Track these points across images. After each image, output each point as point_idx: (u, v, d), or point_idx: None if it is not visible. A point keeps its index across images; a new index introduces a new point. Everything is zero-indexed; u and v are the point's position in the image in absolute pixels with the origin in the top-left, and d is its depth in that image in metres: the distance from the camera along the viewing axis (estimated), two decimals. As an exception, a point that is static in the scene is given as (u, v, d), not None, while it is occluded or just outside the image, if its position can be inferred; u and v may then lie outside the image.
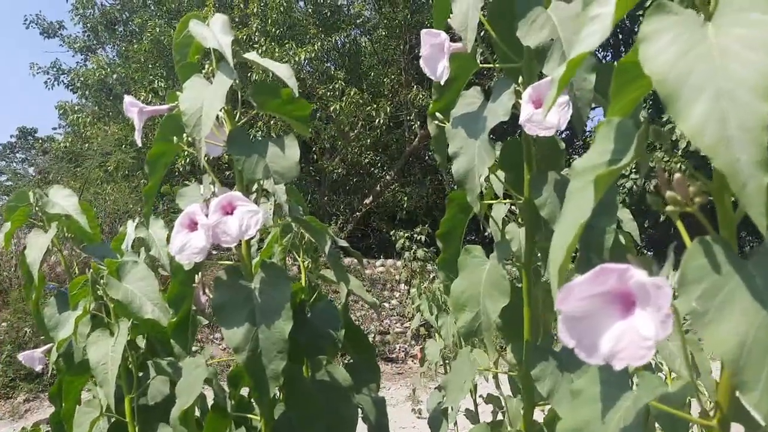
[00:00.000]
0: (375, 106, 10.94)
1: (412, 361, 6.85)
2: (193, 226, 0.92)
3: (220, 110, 1.00)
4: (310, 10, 11.41)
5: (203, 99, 0.96)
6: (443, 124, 1.01)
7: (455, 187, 1.01)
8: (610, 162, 0.52)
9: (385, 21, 11.85)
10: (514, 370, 1.13)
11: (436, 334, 2.89)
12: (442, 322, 2.75)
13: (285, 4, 10.24)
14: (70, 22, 14.94)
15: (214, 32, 0.99)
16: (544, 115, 0.56)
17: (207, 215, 0.91)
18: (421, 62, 0.94)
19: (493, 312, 0.96)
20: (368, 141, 11.76)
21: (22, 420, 4.74)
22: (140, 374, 1.28)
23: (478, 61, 1.02)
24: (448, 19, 0.93)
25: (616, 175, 0.52)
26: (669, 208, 0.49)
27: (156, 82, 11.05)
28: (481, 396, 2.49)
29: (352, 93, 10.57)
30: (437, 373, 2.78)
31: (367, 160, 12.41)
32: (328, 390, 1.04)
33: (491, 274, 0.99)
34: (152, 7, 12.65)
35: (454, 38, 0.96)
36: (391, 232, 8.75)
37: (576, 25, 0.88)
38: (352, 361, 1.26)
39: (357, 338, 1.22)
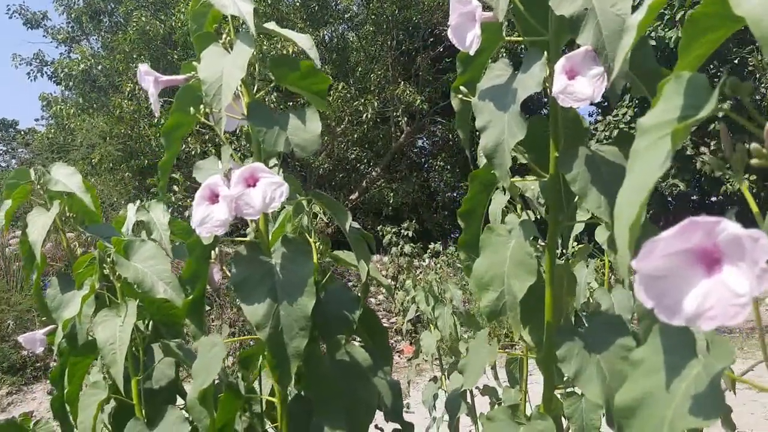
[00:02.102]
0: (362, 101, 10.91)
1: (399, 356, 6.84)
2: (214, 198, 0.89)
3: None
4: (297, 4, 11.34)
5: (223, 68, 0.93)
6: (468, 98, 0.98)
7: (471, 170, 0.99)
8: (683, 117, 0.50)
9: (373, 16, 11.82)
10: (532, 352, 1.11)
11: (431, 326, 2.88)
12: (438, 314, 2.73)
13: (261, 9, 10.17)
14: (55, 12, 14.71)
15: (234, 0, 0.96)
16: (614, 72, 0.53)
17: (228, 187, 0.88)
18: (449, 32, 0.92)
19: (520, 291, 0.94)
20: (355, 136, 11.73)
21: (4, 413, 4.66)
22: (144, 358, 1.25)
23: (503, 34, 0.99)
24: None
25: (690, 129, 0.50)
26: (754, 161, 0.47)
27: (141, 74, 10.90)
28: (477, 387, 2.49)
29: (339, 87, 10.52)
30: (433, 365, 2.76)
31: (353, 156, 12.38)
32: (347, 371, 1.01)
33: (516, 252, 0.97)
34: (137, -2, 12.50)
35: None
36: (378, 228, 8.73)
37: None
38: (363, 344, 1.23)
39: (371, 321, 1.19)
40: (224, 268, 1.05)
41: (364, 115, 10.83)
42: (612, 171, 0.90)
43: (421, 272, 8.19)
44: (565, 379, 1.07)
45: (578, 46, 0.89)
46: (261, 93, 1.01)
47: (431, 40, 12.56)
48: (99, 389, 1.17)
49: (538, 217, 1.93)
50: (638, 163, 0.52)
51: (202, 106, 0.98)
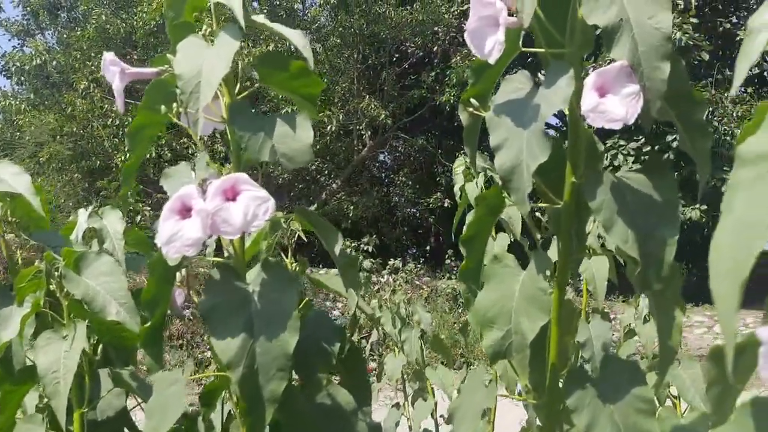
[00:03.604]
0: (327, 113, 10.79)
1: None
2: (185, 212, 0.76)
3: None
4: (265, 11, 11.17)
5: (203, 62, 0.81)
6: (479, 113, 0.88)
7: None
8: (801, 146, 0.40)
9: (340, 29, 11.73)
10: (532, 396, 1.00)
11: (396, 349, 2.76)
12: (405, 337, 2.62)
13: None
14: (10, 4, 14.18)
15: (219, -15, 0.83)
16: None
17: (204, 200, 0.75)
18: (466, 36, 0.81)
19: (531, 331, 0.84)
20: (317, 147, 11.58)
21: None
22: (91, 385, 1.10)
23: (520, 45, 0.89)
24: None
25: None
26: None
27: (99, 71, 10.57)
28: (441, 416, 2.38)
29: (303, 98, 10.37)
30: (397, 389, 2.65)
31: (314, 167, 12.22)
32: (329, 416, 0.88)
33: (527, 286, 0.86)
34: (99, -5, 12.13)
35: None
36: (337, 242, 8.57)
37: (647, 7, 0.77)
38: (340, 380, 1.11)
39: (352, 355, 1.07)
40: (191, 292, 0.92)
41: (328, 127, 10.70)
42: (639, 201, 0.81)
43: (379, 288, 8.06)
44: (566, 429, 0.97)
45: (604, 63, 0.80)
46: (244, 93, 0.89)
47: (397, 56, 12.53)
48: (35, 424, 1.01)
49: (511, 240, 1.85)
50: (741, 199, 0.41)
51: (174, 105, 0.85)
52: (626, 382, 0.86)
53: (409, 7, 11.77)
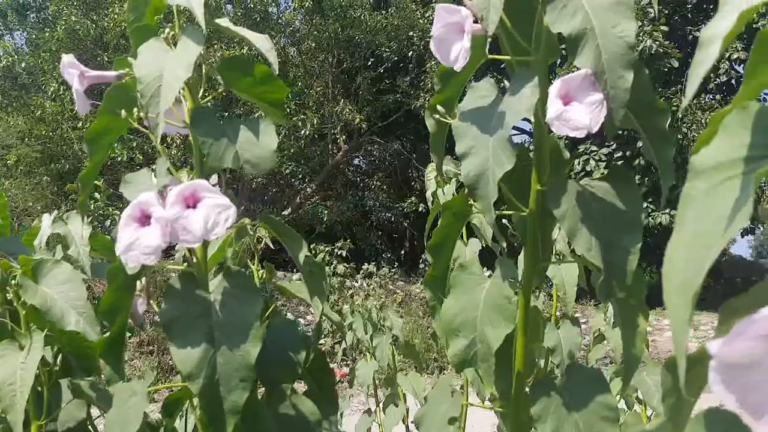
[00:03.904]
0: (301, 116, 10.74)
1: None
2: (145, 220, 0.74)
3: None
4: (239, 14, 11.10)
5: (164, 66, 0.79)
6: (446, 120, 0.87)
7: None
8: (753, 158, 0.40)
9: (315, 33, 11.70)
10: (497, 403, 1.00)
11: (368, 355, 2.75)
12: (377, 342, 2.61)
13: (213, 4, 9.90)
14: (-24, 3, 13.88)
15: (181, -12, 0.82)
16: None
17: (164, 208, 0.73)
18: (432, 44, 0.81)
19: (495, 340, 0.83)
20: (291, 151, 11.53)
21: None
22: (49, 396, 1.07)
23: (486, 51, 0.89)
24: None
25: (770, 174, 0.40)
26: None
27: (68, 73, 10.39)
28: (413, 422, 2.37)
29: (277, 101, 10.31)
30: (368, 395, 2.63)
31: (288, 171, 12.15)
32: (292, 427, 0.87)
33: (492, 295, 0.86)
34: (69, -4, 11.93)
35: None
36: (311, 246, 8.53)
37: (612, 15, 0.77)
38: (308, 389, 1.09)
39: (318, 363, 1.06)
40: (152, 301, 0.90)
41: (303, 131, 10.65)
42: (603, 209, 0.81)
43: (353, 293, 8.04)
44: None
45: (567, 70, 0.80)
46: (208, 98, 0.87)
47: (372, 60, 12.54)
48: (-11, 438, 0.98)
49: (483, 245, 1.85)
50: (694, 212, 0.41)
51: (135, 109, 0.84)
52: (591, 389, 0.86)
53: (384, 12, 11.79)
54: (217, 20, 0.85)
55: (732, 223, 0.39)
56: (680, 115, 10.65)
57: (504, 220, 1.10)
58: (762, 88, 0.44)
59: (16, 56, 11.25)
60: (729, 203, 0.40)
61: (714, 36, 0.37)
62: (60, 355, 1.11)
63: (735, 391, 0.34)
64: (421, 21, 11.52)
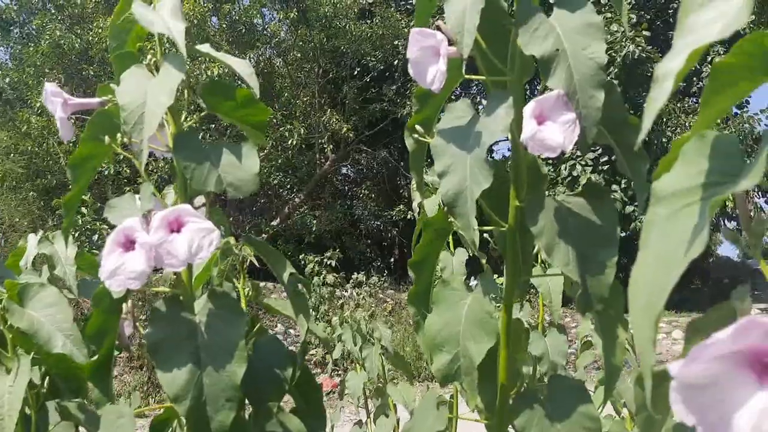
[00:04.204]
0: (288, 127, 10.75)
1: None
2: (129, 245, 0.75)
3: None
4: (224, 26, 11.11)
5: (147, 93, 0.80)
6: (424, 139, 0.89)
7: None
8: (710, 184, 0.42)
9: (301, 43, 11.73)
10: (483, 415, 1.02)
11: (357, 366, 2.76)
12: (366, 354, 2.62)
13: (198, 17, 9.91)
14: (-41, 19, 13.78)
15: (162, 16, 0.83)
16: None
17: (148, 233, 0.75)
18: (409, 67, 0.83)
19: (478, 354, 0.85)
20: (279, 161, 11.53)
21: None
22: (37, 419, 1.07)
23: (463, 72, 0.91)
24: (441, 22, 0.82)
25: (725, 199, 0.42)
26: None
27: (53, 88, 10.34)
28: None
29: (264, 112, 10.32)
30: (359, 407, 2.64)
31: (276, 181, 12.15)
32: (280, 444, 0.88)
33: (474, 310, 0.88)
34: (53, 11, 11.90)
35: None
36: (300, 256, 8.52)
37: (582, 38, 0.79)
38: (295, 406, 1.10)
39: (305, 378, 1.07)
40: (137, 324, 0.91)
41: (290, 141, 10.66)
42: (579, 225, 0.83)
43: (343, 303, 8.04)
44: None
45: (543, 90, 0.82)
46: (190, 122, 0.89)
47: (358, 69, 12.59)
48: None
49: (470, 254, 1.87)
50: (656, 235, 0.43)
51: (119, 135, 0.85)
52: (573, 400, 0.88)
53: (369, 22, 11.85)
54: (199, 46, 0.86)
55: (691, 247, 0.40)
56: (664, 119, 10.77)
57: (486, 236, 1.12)
58: (718, 117, 0.47)
59: (0, 71, 11.21)
60: (688, 229, 0.42)
61: (668, 73, 0.39)
62: (47, 377, 1.12)
63: (694, 411, 0.36)
64: (406, 30, 11.57)
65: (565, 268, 0.80)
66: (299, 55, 11.95)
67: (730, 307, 0.46)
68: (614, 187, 10.16)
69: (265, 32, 11.99)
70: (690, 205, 0.42)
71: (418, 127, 0.90)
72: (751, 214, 0.48)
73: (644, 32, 10.03)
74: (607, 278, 0.81)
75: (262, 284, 1.29)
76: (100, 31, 10.20)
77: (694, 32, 0.39)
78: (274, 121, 10.65)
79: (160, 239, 0.74)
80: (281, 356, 1.00)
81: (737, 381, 0.36)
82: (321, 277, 7.90)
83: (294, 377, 0.97)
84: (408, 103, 11.48)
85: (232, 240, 1.05)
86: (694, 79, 11.50)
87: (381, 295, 9.20)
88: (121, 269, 0.74)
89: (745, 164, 0.41)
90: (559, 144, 0.77)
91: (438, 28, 0.82)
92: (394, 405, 2.53)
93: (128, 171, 10.06)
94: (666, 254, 0.42)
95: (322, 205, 12.55)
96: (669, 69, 0.39)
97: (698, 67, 10.83)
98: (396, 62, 12.03)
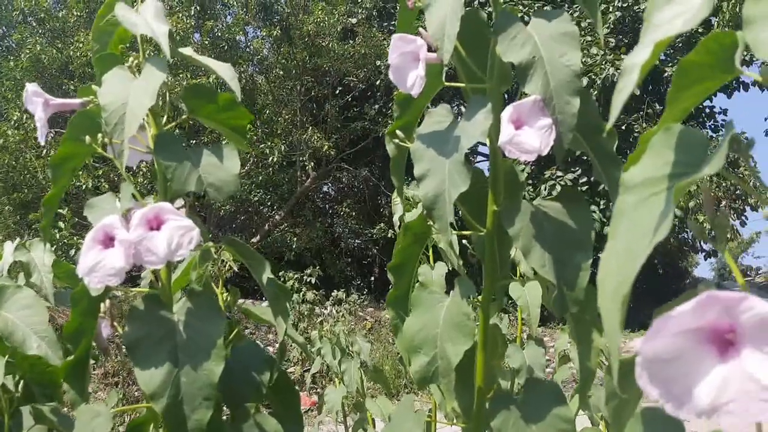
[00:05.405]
0: (269, 144, 10.74)
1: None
2: (108, 242, 0.75)
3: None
4: (206, 42, 11.12)
5: (128, 94, 0.81)
6: (405, 144, 0.91)
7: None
8: (676, 174, 0.44)
9: (283, 61, 11.77)
10: (460, 420, 1.02)
11: (336, 380, 2.75)
12: (345, 368, 2.62)
13: (181, 33, 9.91)
14: (-63, 31, 13.64)
15: (146, 18, 0.84)
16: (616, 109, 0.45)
17: (128, 230, 0.75)
18: (390, 72, 0.85)
19: (455, 356, 0.86)
20: (259, 179, 11.50)
21: None
22: (10, 424, 1.06)
23: (443, 79, 0.93)
24: (422, 29, 0.84)
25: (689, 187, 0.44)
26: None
27: (33, 102, 10.25)
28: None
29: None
30: (337, 422, 2.63)
31: (256, 198, 12.10)
32: (256, 445, 0.88)
33: (451, 312, 0.89)
34: (34, 24, 11.83)
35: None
36: (280, 273, 8.48)
37: (559, 46, 0.82)
38: (272, 410, 1.10)
39: (282, 383, 1.07)
40: (115, 323, 0.90)
41: (271, 158, 10.64)
42: (555, 228, 0.85)
43: (322, 320, 8.00)
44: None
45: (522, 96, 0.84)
46: (171, 125, 0.89)
47: (340, 88, 12.65)
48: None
49: (450, 269, 1.88)
50: (625, 224, 0.45)
51: (100, 136, 0.85)
52: (548, 402, 0.89)
53: (351, 41, 11.93)
54: (181, 49, 0.87)
55: (656, 233, 0.42)
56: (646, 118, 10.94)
57: (464, 241, 1.13)
58: (684, 113, 0.49)
59: (-23, 84, 11.09)
60: (655, 216, 0.43)
61: (633, 65, 0.40)
62: (21, 382, 1.11)
63: (658, 385, 0.37)
64: (388, 50, 11.67)
65: (541, 270, 0.81)
66: (281, 72, 11.98)
67: (695, 293, 0.47)
68: (593, 207, 10.27)
69: (247, 49, 12.02)
70: (657, 194, 0.44)
71: (398, 132, 0.92)
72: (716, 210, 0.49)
73: (623, 56, 10.22)
74: (581, 280, 0.82)
75: (241, 301, 1.28)
76: (81, 45, 10.16)
77: (660, 27, 0.41)
78: (255, 137, 10.64)
79: (139, 236, 0.74)
80: (259, 359, 1.00)
81: (700, 355, 0.37)
82: (301, 294, 7.87)
83: (272, 379, 0.96)
84: (389, 122, 11.54)
85: (210, 244, 1.05)
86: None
87: (360, 313, 9.17)
88: (99, 266, 0.74)
89: (708, 155, 0.43)
90: (535, 148, 0.79)
91: (419, 35, 0.84)
92: (373, 419, 2.52)
93: (107, 186, 9.97)
94: (633, 241, 0.43)
95: (303, 223, 12.50)
96: (635, 61, 0.40)
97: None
98: (378, 82, 12.10)
